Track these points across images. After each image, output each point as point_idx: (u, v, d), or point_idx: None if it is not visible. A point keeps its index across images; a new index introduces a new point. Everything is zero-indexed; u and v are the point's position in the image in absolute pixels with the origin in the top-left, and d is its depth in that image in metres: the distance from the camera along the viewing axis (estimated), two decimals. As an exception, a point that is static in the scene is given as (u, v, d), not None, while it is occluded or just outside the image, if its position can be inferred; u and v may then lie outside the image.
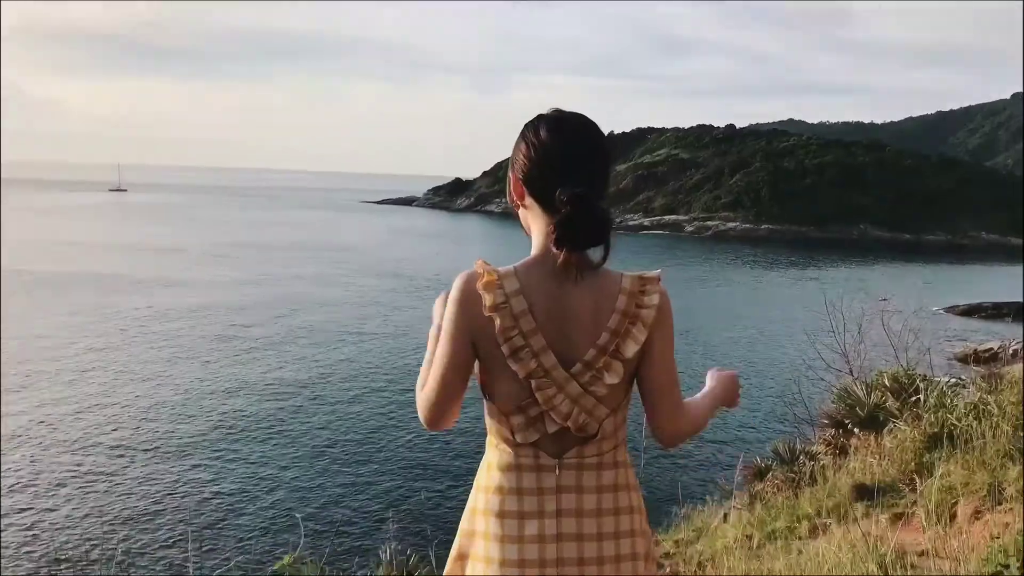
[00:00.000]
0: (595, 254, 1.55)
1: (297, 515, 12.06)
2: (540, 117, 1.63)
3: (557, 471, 1.55)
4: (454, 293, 1.54)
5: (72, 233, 59.45)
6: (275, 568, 4.30)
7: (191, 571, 9.32)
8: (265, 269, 43.08)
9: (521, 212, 1.65)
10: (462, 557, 1.62)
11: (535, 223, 1.60)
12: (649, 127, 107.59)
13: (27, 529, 12.27)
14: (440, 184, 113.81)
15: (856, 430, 6.30)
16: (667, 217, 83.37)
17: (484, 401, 1.61)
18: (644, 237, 72.71)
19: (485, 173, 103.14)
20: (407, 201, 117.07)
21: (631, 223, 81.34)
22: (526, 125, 1.63)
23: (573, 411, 1.53)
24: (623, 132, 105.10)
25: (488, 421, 1.61)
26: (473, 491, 1.64)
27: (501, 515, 1.55)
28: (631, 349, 1.54)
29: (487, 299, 1.50)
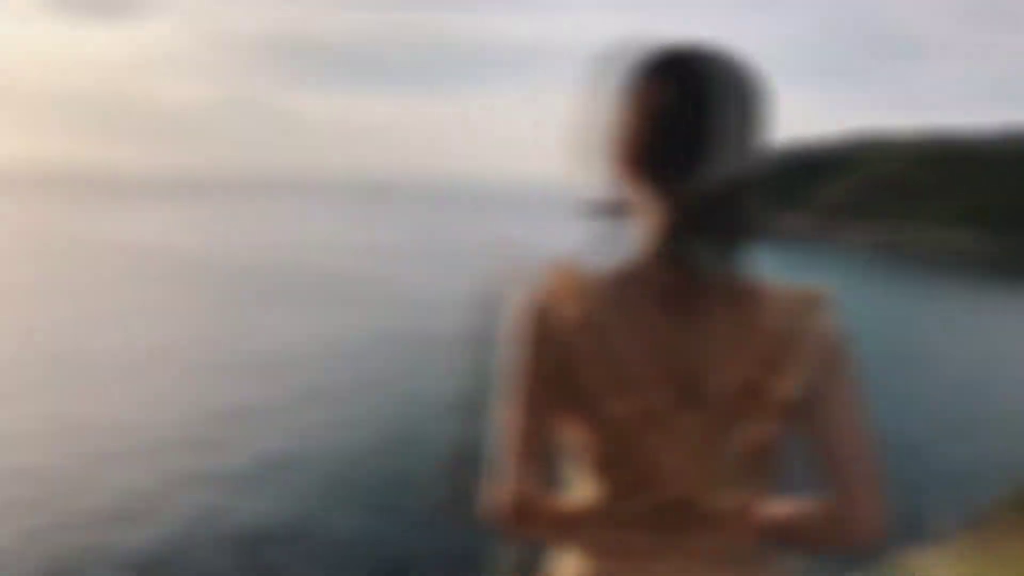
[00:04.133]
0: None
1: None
2: (658, 56, 1.09)
3: (655, 563, 1.09)
4: (517, 311, 1.11)
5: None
6: None
7: None
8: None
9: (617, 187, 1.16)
10: None
11: (639, 208, 1.10)
12: (873, 136, 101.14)
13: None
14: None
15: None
16: (890, 234, 78.10)
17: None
18: (860, 255, 68.34)
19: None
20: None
21: (845, 239, 76.83)
22: (636, 67, 1.09)
23: (690, 475, 1.07)
24: (843, 140, 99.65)
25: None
26: None
27: None
28: (786, 389, 1.05)
29: (567, 311, 1.07)
